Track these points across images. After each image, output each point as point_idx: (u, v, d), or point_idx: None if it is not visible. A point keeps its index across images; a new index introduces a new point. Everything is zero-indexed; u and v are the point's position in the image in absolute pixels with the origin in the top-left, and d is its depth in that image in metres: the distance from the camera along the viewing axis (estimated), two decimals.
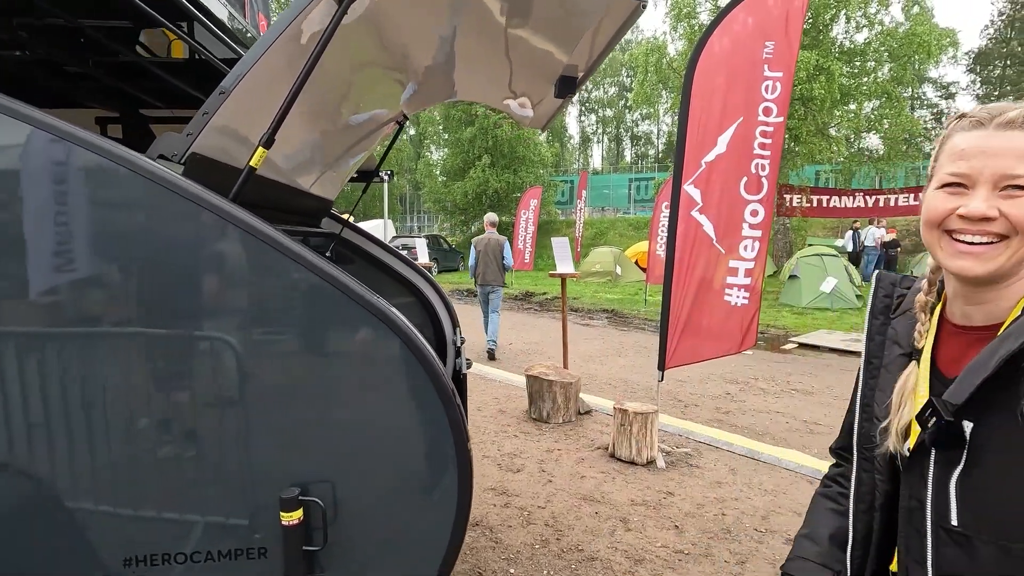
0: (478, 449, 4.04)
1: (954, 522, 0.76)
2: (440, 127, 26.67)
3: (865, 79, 16.15)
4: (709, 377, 5.99)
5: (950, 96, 22.87)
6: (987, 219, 0.74)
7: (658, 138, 52.05)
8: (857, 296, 10.97)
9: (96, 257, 1.25)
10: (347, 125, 2.48)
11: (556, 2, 1.58)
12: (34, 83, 2.30)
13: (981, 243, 0.75)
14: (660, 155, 48.42)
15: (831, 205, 18.43)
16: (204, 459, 1.31)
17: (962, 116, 0.79)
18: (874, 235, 14.78)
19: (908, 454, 0.83)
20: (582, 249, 18.87)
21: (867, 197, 18.05)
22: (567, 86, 2.06)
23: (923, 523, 0.79)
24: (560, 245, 5.11)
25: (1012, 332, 0.73)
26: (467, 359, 2.45)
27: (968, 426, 0.75)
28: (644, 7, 1.44)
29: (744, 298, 3.74)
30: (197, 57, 2.46)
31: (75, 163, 1.22)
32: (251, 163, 1.37)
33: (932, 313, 0.88)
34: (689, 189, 3.70)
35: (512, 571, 2.59)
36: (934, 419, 0.75)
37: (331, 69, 1.89)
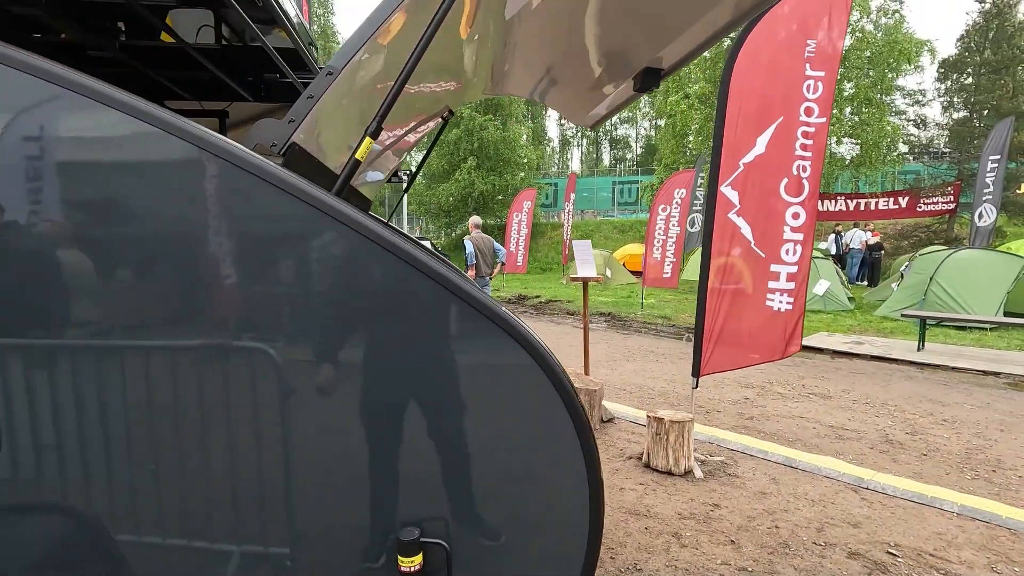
0: None
1: None
2: None
3: (846, 85, 16.48)
4: (723, 382, 5.92)
5: (920, 104, 23.51)
6: None
7: (636, 141, 52.53)
8: (849, 298, 11.11)
9: (191, 256, 1.06)
10: (399, 120, 2.30)
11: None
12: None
13: None
14: (638, 158, 48.80)
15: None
16: (322, 498, 1.14)
17: None
18: (860, 238, 15.04)
19: None
20: (570, 251, 18.80)
21: (848, 201, 18.40)
22: (651, 79, 1.93)
23: None
24: (582, 248, 4.98)
25: None
26: None
27: None
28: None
29: (788, 303, 3.65)
30: (229, 43, 2.27)
31: (169, 153, 1.04)
32: (356, 155, 1.20)
33: None
34: (726, 191, 3.60)
35: None
36: None
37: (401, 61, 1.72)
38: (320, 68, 1.33)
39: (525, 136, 25.91)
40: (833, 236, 16.16)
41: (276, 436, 1.11)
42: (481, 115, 22.88)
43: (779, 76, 3.47)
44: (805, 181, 3.50)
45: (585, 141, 56.96)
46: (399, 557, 1.12)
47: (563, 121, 54.58)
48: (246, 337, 1.10)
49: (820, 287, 10.99)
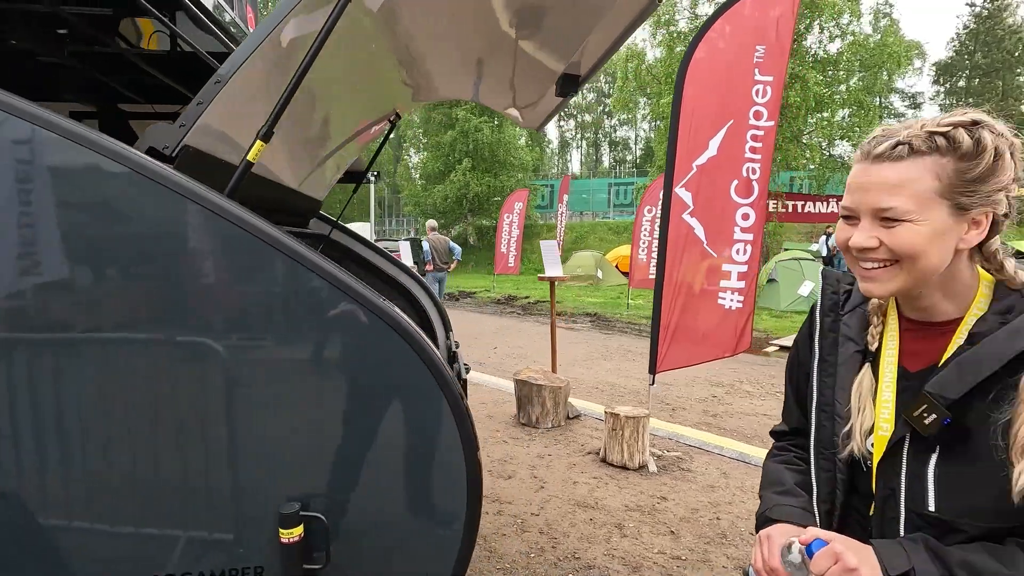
0: None
1: (931, 508, 0.78)
2: (420, 131, 26.51)
3: (839, 87, 16.58)
4: (695, 380, 6.01)
5: (916, 106, 23.63)
6: (868, 249, 0.79)
7: (636, 144, 52.66)
8: None
9: (80, 257, 1.15)
10: (339, 123, 2.40)
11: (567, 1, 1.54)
12: (3, 73, 2.17)
13: (875, 268, 0.80)
14: (638, 160, 48.94)
15: (806, 210, 18.83)
16: (196, 473, 1.22)
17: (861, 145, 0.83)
18: None
19: (872, 451, 0.85)
20: (563, 253, 18.90)
21: (839, 203, 18.48)
22: (569, 84, 2.02)
23: (897, 509, 0.82)
24: (548, 248, 5.07)
25: (1019, 330, 0.75)
26: (465, 364, 2.38)
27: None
28: (659, 1, 1.41)
29: (738, 301, 3.74)
30: (180, 49, 2.36)
31: (58, 156, 1.13)
32: (248, 157, 1.29)
33: (885, 314, 0.90)
34: (680, 192, 3.70)
35: None
36: (932, 416, 0.77)
37: (325, 65, 1.82)
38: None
39: (524, 138, 26.02)
40: (824, 238, 16.26)
41: (167, 422, 1.20)
42: (476, 117, 23.01)
43: (729, 80, 3.56)
44: (755, 183, 3.59)
45: (585, 143, 57.11)
46: (280, 529, 1.21)
47: (562, 123, 54.74)
48: (139, 330, 1.19)
49: (804, 288, 11.08)
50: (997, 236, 0.81)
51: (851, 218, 0.81)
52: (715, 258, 3.70)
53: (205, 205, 1.18)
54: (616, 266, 17.51)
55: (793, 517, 0.91)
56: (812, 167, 17.66)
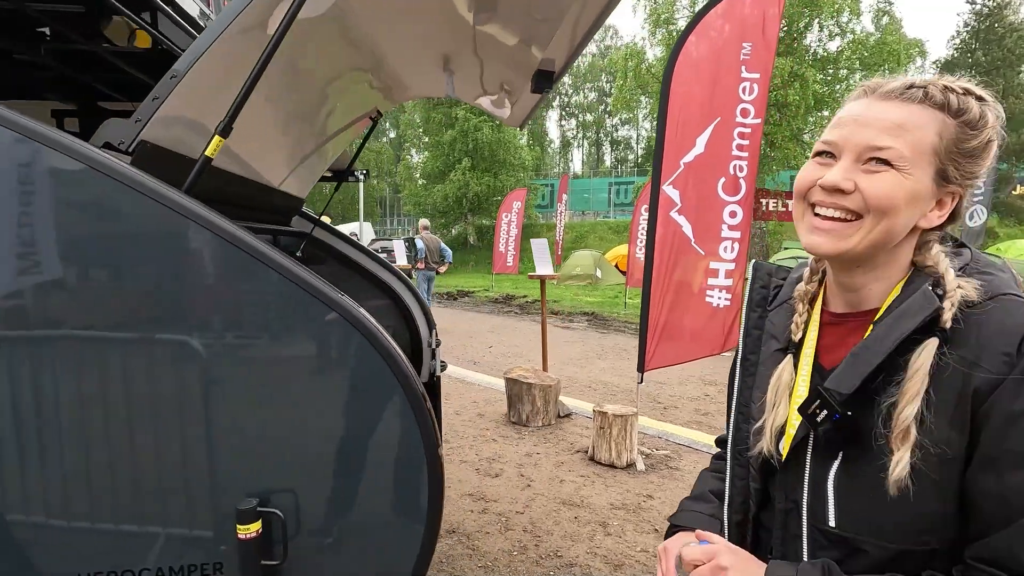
0: (455, 454, 3.96)
1: (831, 523, 0.71)
2: (420, 130, 26.53)
3: (838, 86, 16.53)
4: (688, 379, 6.00)
5: None
6: (841, 191, 0.70)
7: (637, 143, 52.58)
8: None
9: (34, 253, 1.15)
10: (318, 120, 2.40)
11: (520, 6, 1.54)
12: None
13: (834, 218, 0.72)
14: (639, 160, 48.89)
15: None
16: (155, 468, 1.22)
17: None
18: None
19: (783, 454, 0.78)
20: (563, 252, 18.89)
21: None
22: (544, 80, 2.02)
23: (799, 526, 0.75)
24: (539, 247, 5.07)
25: (905, 311, 0.69)
26: (442, 361, 2.38)
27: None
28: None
29: (726, 299, 3.73)
30: (161, 48, 2.36)
31: (13, 151, 1.13)
32: (206, 152, 1.29)
33: (812, 304, 0.83)
34: (668, 190, 3.69)
35: None
36: (824, 412, 0.70)
37: (301, 63, 1.81)
38: None
39: (524, 137, 26.03)
40: None
41: (122, 420, 1.20)
42: (476, 116, 23.01)
43: (716, 78, 3.55)
44: (742, 180, 3.58)
45: (586, 142, 57.08)
46: (237, 525, 1.21)
47: (563, 122, 54.75)
48: (101, 327, 1.19)
49: None
50: (937, 235, 0.75)
51: (828, 155, 0.73)
52: (703, 256, 3.69)
53: (161, 201, 1.18)
54: (616, 265, 17.48)
55: (695, 523, 0.87)
56: None
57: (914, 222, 0.72)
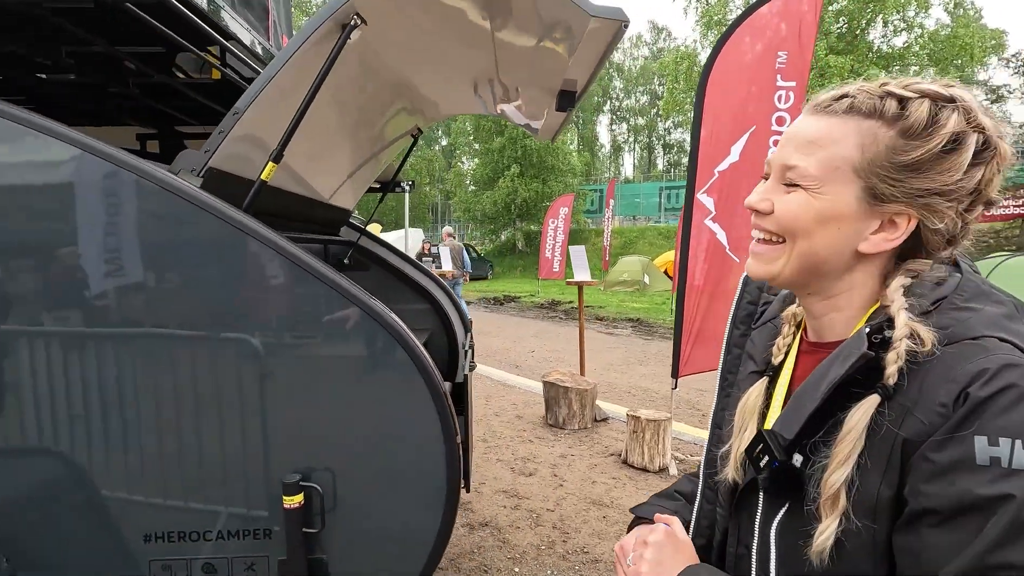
0: (493, 453, 4.12)
1: (772, 574, 0.67)
2: (471, 137, 27.06)
3: None
4: None
5: (999, 99, 21.98)
6: (760, 212, 0.67)
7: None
8: None
9: (129, 263, 1.39)
10: (363, 140, 2.63)
11: (540, 27, 1.68)
12: (82, 103, 2.53)
13: (764, 240, 0.68)
14: None
15: None
16: (220, 448, 1.44)
17: None
18: None
19: (739, 493, 0.74)
20: (610, 258, 18.80)
21: None
22: (567, 100, 2.15)
23: (749, 573, 0.70)
24: (577, 253, 5.18)
25: (839, 354, 0.63)
26: (471, 362, 2.53)
27: (798, 460, 0.64)
28: (626, 26, 1.52)
29: None
30: (226, 78, 2.65)
31: (107, 177, 1.37)
32: (262, 176, 1.51)
33: (800, 327, 0.76)
34: (702, 198, 3.73)
35: (517, 570, 2.65)
36: (766, 457, 0.65)
37: (346, 88, 2.03)
38: None
39: (574, 143, 26.06)
40: None
41: (187, 408, 1.42)
42: None
43: (752, 87, 3.57)
44: None
45: (638, 146, 56.38)
46: (283, 496, 1.41)
47: (614, 126, 54.29)
48: (173, 325, 1.41)
49: None
50: (924, 257, 0.65)
51: (766, 176, 0.69)
52: (737, 263, 3.70)
53: (224, 219, 1.40)
54: (664, 271, 17.25)
55: (653, 515, 0.84)
56: None
57: (845, 246, 0.64)
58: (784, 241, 0.66)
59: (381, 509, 1.48)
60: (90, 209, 1.37)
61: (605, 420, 4.91)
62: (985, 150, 0.60)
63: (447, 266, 8.65)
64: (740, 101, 3.61)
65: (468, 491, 2.18)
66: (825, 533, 0.59)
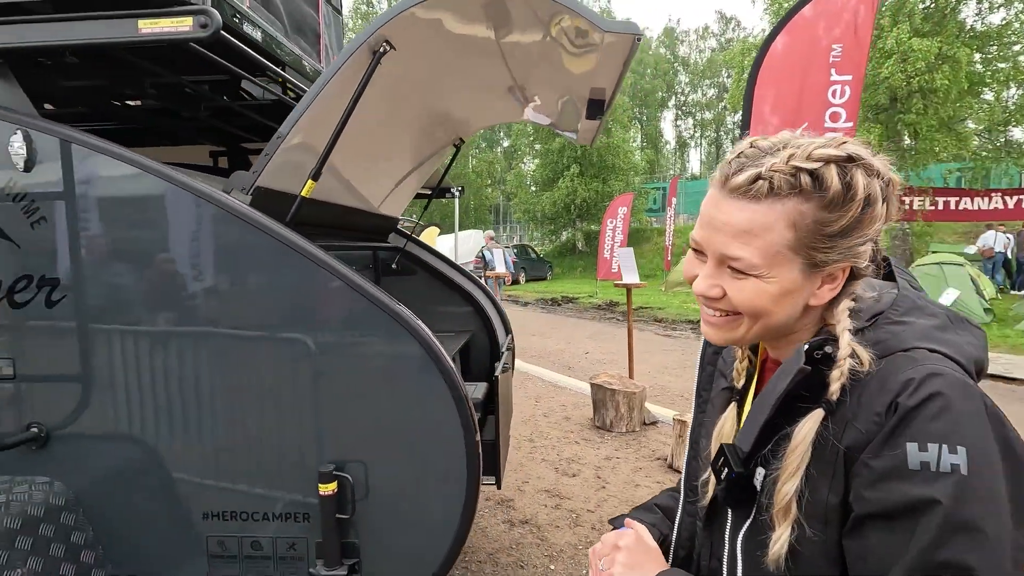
0: (538, 453, 4.19)
1: None
2: (531, 138, 27.19)
3: (1003, 65, 14.34)
4: None
5: None
6: (711, 298, 0.69)
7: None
8: (986, 310, 9.76)
9: (185, 270, 1.58)
10: (407, 153, 2.78)
11: (559, 44, 1.74)
12: (163, 127, 2.82)
13: (716, 316, 0.71)
14: None
15: (961, 208, 16.50)
16: (266, 439, 1.60)
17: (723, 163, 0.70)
18: (1001, 240, 13.04)
19: (709, 506, 0.78)
20: (672, 258, 18.33)
21: (1007, 197, 15.96)
22: (596, 108, 2.20)
23: None
24: (625, 255, 5.16)
25: (783, 370, 0.67)
26: (505, 364, 2.61)
27: (760, 474, 0.68)
28: (639, 40, 1.56)
29: None
30: (288, 98, 2.87)
31: (166, 196, 1.56)
32: (302, 193, 1.66)
33: (757, 351, 0.81)
34: None
35: (552, 568, 2.71)
36: (726, 469, 0.69)
37: (388, 106, 2.17)
38: None
39: (638, 140, 25.61)
40: (994, 235, 13.94)
41: (258, 403, 1.59)
42: None
43: (804, 80, 3.44)
44: None
45: (705, 141, 54.54)
46: (319, 484, 1.55)
47: (679, 122, 52.79)
48: (225, 326, 1.59)
49: (947, 297, 9.78)
50: (856, 282, 0.69)
51: (700, 253, 0.71)
52: None
53: (269, 232, 1.56)
54: None
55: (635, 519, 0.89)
56: (970, 158, 15.38)
57: (798, 307, 0.68)
58: (739, 314, 0.69)
59: (407, 500, 1.60)
60: (159, 225, 1.57)
61: (654, 423, 4.86)
62: (887, 188, 0.65)
63: (500, 268, 8.78)
64: (791, 97, 3.49)
65: (499, 487, 2.26)
66: (780, 541, 0.64)
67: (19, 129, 1.55)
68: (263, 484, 1.62)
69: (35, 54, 1.79)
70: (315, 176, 1.66)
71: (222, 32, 1.60)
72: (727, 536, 0.74)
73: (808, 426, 0.64)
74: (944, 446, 0.56)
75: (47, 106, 2.49)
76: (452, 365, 1.57)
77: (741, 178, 0.65)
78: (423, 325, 1.56)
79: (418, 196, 3.62)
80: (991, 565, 0.53)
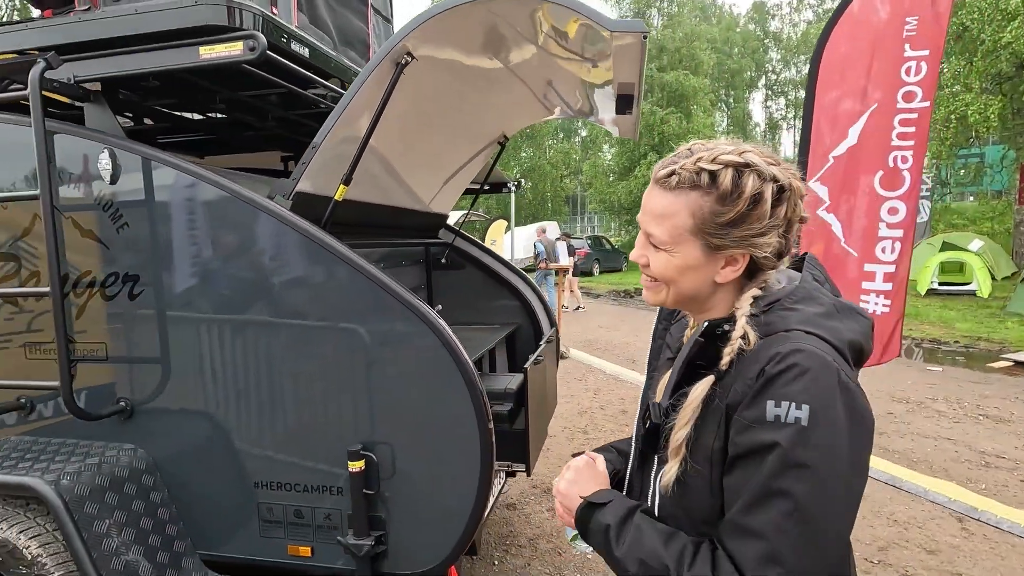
0: (589, 445, 4.22)
1: (656, 514, 0.86)
2: None
3: None
4: (874, 393, 5.26)
5: None
6: (641, 265, 0.87)
7: None
8: None
9: (241, 270, 1.79)
10: (453, 154, 2.91)
11: (573, 45, 1.77)
12: (238, 137, 3.12)
13: (647, 280, 0.88)
14: None
15: None
16: (309, 419, 1.78)
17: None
18: None
19: (639, 453, 0.94)
20: None
21: None
22: (625, 103, 2.19)
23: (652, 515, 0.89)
24: None
25: (689, 342, 0.84)
26: (538, 356, 2.65)
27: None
28: (646, 37, 1.56)
29: (884, 305, 3.33)
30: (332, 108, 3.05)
31: (220, 203, 1.78)
32: (335, 197, 1.82)
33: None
34: (815, 186, 3.42)
35: (590, 556, 2.76)
36: (648, 421, 0.87)
37: (430, 112, 2.30)
38: None
39: (723, 124, 24.42)
40: None
41: (300, 387, 1.78)
42: (662, 109, 22.35)
43: (874, 58, 3.19)
44: (905, 173, 3.15)
45: (798, 122, 50.86)
46: (349, 462, 1.71)
47: (769, 102, 49.58)
48: (266, 314, 1.78)
49: None
50: (765, 272, 0.83)
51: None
52: (855, 257, 3.35)
53: (306, 235, 1.73)
54: None
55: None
56: None
57: (704, 281, 0.83)
58: (660, 280, 0.87)
59: (426, 480, 1.72)
60: (213, 227, 1.79)
61: None
62: (782, 192, 0.79)
63: (564, 260, 8.76)
64: (860, 76, 3.25)
65: (528, 475, 2.34)
66: (670, 473, 0.81)
67: (106, 148, 1.82)
68: (305, 460, 1.80)
69: (124, 82, 2.07)
70: (346, 181, 1.81)
71: (269, 52, 1.78)
72: (653, 475, 0.90)
73: (700, 388, 0.79)
74: (792, 404, 0.70)
75: (147, 121, 2.83)
76: (467, 357, 1.66)
77: (662, 172, 0.82)
78: (440, 319, 1.67)
79: (475, 192, 3.71)
80: (815, 498, 0.68)
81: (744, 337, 0.77)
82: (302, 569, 1.84)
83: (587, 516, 0.89)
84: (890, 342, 3.29)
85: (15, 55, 1.92)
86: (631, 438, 1.08)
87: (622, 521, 0.84)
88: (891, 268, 3.25)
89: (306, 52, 2.19)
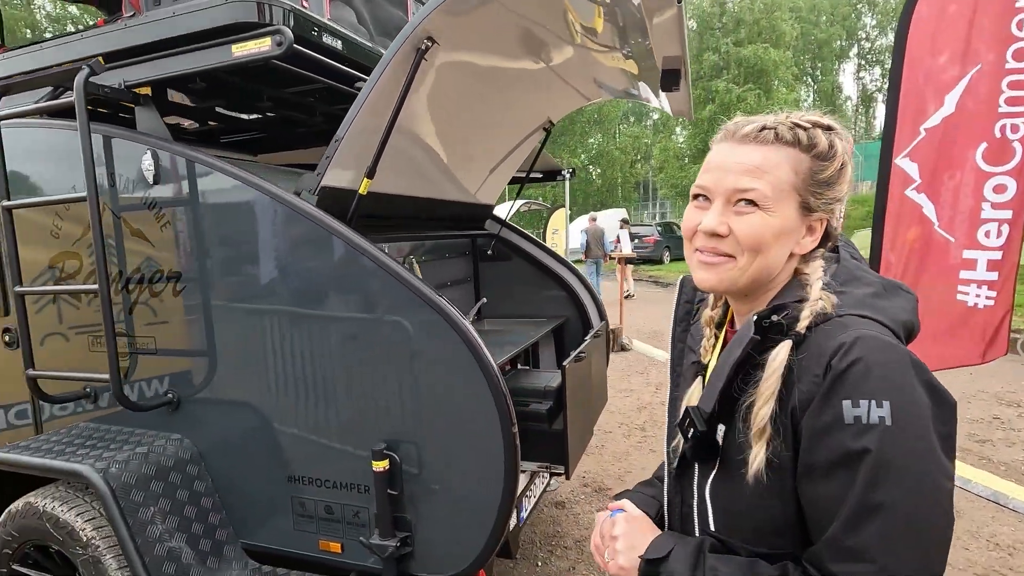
0: (648, 443, 4.03)
1: (712, 527, 0.79)
2: None
3: None
4: (976, 395, 4.70)
5: None
6: (717, 235, 0.76)
7: None
8: None
9: (260, 265, 1.80)
10: (497, 142, 2.82)
11: (605, 19, 1.62)
12: (289, 134, 3.19)
13: (714, 258, 0.78)
14: None
15: None
16: (339, 419, 1.78)
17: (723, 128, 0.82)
18: None
19: (679, 461, 0.85)
20: (845, 233, 16.08)
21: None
22: (670, 79, 2.01)
23: (693, 529, 0.83)
24: None
25: (737, 339, 0.76)
26: (581, 353, 2.52)
27: (721, 430, 0.77)
28: (680, 2, 1.39)
29: (988, 297, 2.91)
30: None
31: (254, 200, 1.79)
32: (359, 191, 1.78)
33: (721, 327, 0.89)
34: (903, 163, 3.04)
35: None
36: (692, 429, 0.77)
37: (467, 101, 2.23)
38: None
39: (809, 98, 22.74)
40: None
41: (330, 385, 1.78)
42: (739, 86, 21.08)
43: (976, 12, 2.75)
44: (1016, 144, 2.71)
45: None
46: (373, 461, 1.68)
47: (863, 73, 45.56)
48: (295, 309, 1.78)
49: None
50: (822, 250, 0.80)
51: (703, 199, 0.79)
52: (952, 243, 2.94)
53: (330, 230, 1.71)
54: None
55: (634, 500, 0.95)
56: None
57: (788, 253, 0.78)
58: (734, 258, 0.77)
59: (451, 483, 1.66)
60: (248, 224, 1.81)
61: None
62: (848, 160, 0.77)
63: (627, 248, 8.46)
64: (960, 33, 2.82)
65: (568, 478, 2.22)
66: (758, 458, 0.71)
67: (149, 150, 1.88)
68: (333, 456, 1.80)
69: (172, 84, 2.14)
70: (370, 174, 1.77)
71: (297, 47, 1.76)
72: (695, 485, 0.82)
73: (780, 356, 0.71)
74: (872, 401, 0.64)
75: (194, 124, 2.95)
76: (490, 357, 1.58)
77: (749, 128, 0.77)
78: (463, 317, 1.60)
79: (521, 181, 3.61)
80: (916, 503, 0.63)
81: (821, 300, 0.73)
82: (333, 565, 1.84)
83: (652, 573, 0.80)
84: (996, 337, 2.88)
85: (71, 64, 2.02)
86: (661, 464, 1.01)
87: (693, 568, 0.75)
88: (997, 255, 2.83)
89: (339, 44, 2.17)
